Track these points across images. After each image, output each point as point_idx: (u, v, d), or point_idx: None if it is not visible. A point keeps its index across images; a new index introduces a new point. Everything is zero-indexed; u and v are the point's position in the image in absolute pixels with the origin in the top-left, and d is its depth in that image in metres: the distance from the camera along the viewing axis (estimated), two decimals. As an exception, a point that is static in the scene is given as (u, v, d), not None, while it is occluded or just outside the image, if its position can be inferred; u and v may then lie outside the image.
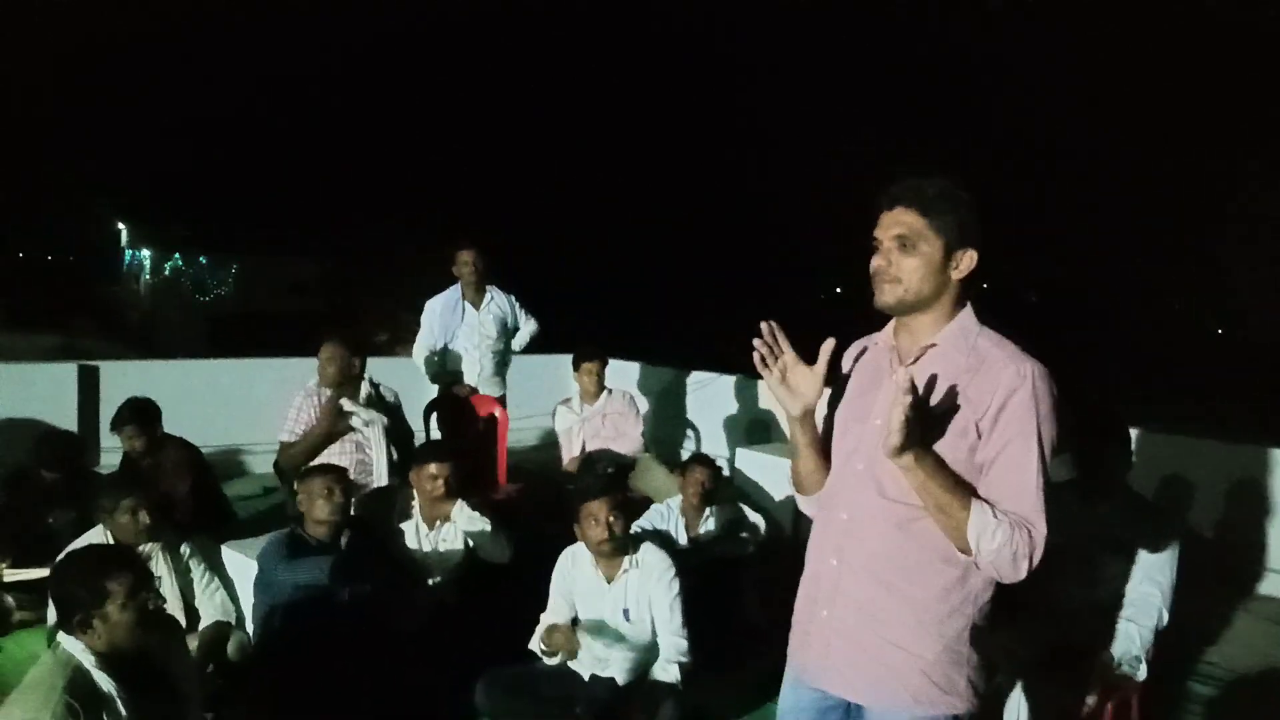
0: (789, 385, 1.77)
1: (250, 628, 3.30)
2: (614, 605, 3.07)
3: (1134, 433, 4.44)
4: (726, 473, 5.32)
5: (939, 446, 1.62)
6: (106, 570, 2.09)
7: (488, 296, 5.44)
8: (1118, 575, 2.84)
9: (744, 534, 4.15)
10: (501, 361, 5.52)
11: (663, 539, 3.70)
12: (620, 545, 3.04)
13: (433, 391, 5.48)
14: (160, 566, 3.15)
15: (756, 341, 1.77)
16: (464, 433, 5.18)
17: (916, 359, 1.71)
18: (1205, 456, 4.67)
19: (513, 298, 5.55)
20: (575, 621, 3.09)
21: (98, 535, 3.13)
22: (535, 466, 6.04)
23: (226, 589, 3.38)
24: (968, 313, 1.71)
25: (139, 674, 2.12)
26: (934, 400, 1.65)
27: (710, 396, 6.94)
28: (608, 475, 4.62)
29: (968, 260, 1.67)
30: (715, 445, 6.61)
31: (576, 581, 3.14)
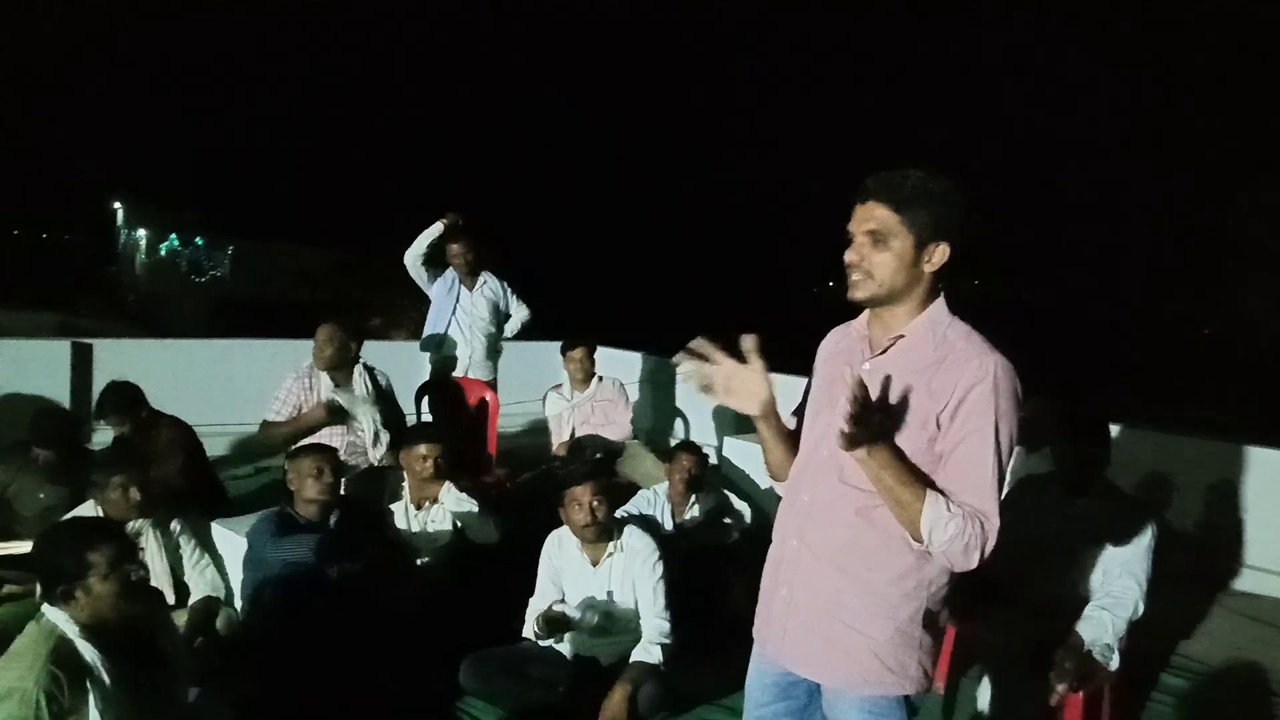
0: (735, 391, 1.79)
1: (239, 604, 3.34)
2: (599, 587, 3.12)
3: (1115, 429, 4.50)
4: (714, 461, 5.36)
5: (900, 436, 1.65)
6: (89, 542, 2.12)
7: (481, 279, 5.49)
8: (1096, 568, 2.88)
9: (728, 521, 4.20)
10: (493, 346, 5.56)
11: (649, 524, 3.74)
12: (603, 530, 3.09)
13: (424, 375, 5.53)
14: (150, 542, 3.19)
15: (682, 362, 1.80)
16: (455, 416, 5.22)
17: (886, 349, 1.73)
18: (1186, 453, 4.72)
19: (506, 284, 5.59)
20: (561, 603, 3.14)
21: (88, 510, 3.16)
22: (525, 451, 6.08)
23: (216, 565, 3.41)
24: (939, 305, 1.73)
25: (123, 645, 2.15)
26: (897, 391, 1.68)
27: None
28: (593, 461, 4.67)
29: (940, 253, 1.68)
30: (704, 433, 6.65)
31: (563, 564, 3.19)
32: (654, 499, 4.14)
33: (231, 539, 3.49)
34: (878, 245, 1.68)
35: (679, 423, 7.08)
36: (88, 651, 2.07)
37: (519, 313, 5.64)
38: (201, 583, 3.30)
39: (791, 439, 1.92)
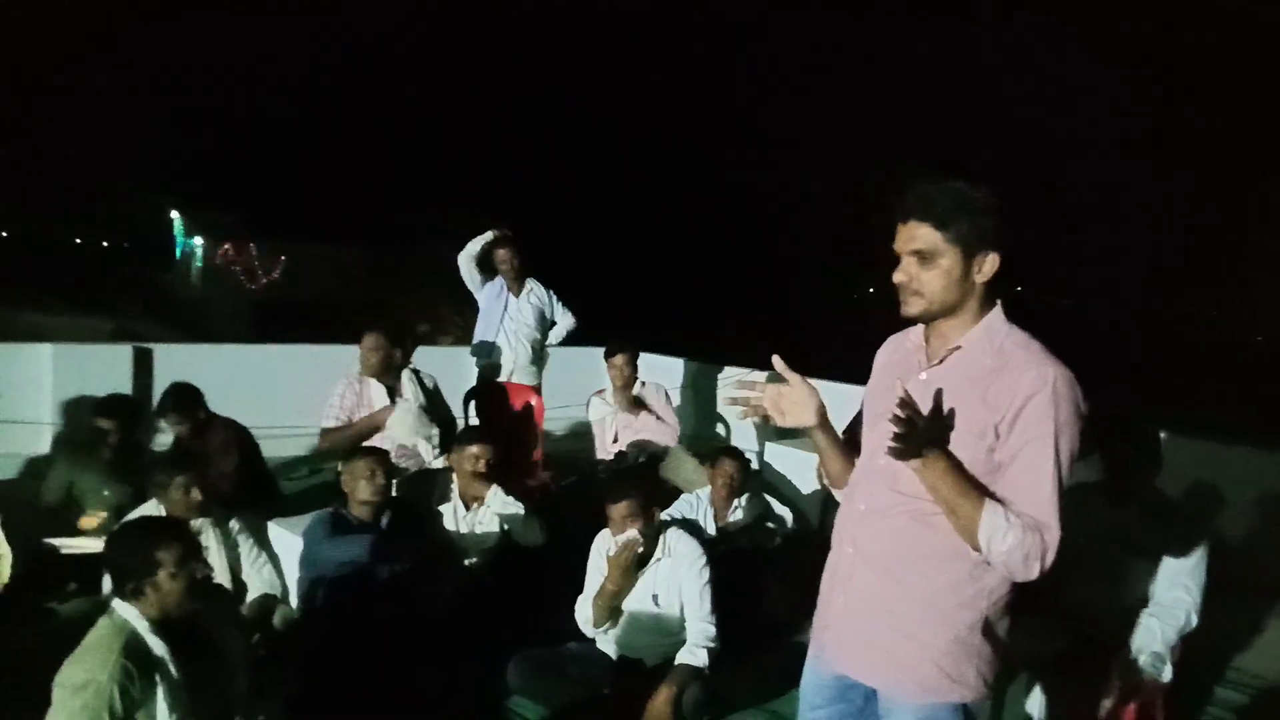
0: (787, 410, 1.81)
1: (294, 601, 3.44)
2: (644, 590, 3.16)
3: (1163, 436, 4.43)
4: (756, 465, 5.37)
5: (958, 447, 1.64)
6: (157, 541, 2.21)
7: (528, 286, 5.58)
8: (1141, 578, 2.84)
9: (771, 525, 4.21)
10: (538, 353, 5.64)
11: (691, 528, 3.77)
12: (647, 540, 3.11)
13: (471, 380, 5.63)
14: (210, 540, 3.29)
15: (732, 405, 1.85)
16: (501, 420, 5.30)
17: (943, 360, 1.73)
18: (1236, 462, 4.62)
19: (552, 292, 5.68)
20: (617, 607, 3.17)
21: (151, 509, 3.28)
22: (568, 455, 6.14)
23: (272, 564, 3.51)
24: (996, 314, 1.72)
25: (189, 639, 2.23)
26: (955, 402, 1.67)
27: (732, 388, 6.97)
28: (639, 466, 4.72)
29: (989, 263, 1.68)
30: (746, 438, 6.65)
31: (610, 564, 3.23)
32: (697, 503, 4.17)
33: (287, 538, 3.59)
34: (925, 264, 1.68)
35: (721, 427, 7.09)
36: (157, 646, 2.15)
37: (564, 319, 5.72)
38: (259, 580, 3.40)
39: (848, 448, 1.93)
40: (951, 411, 1.67)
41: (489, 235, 5.47)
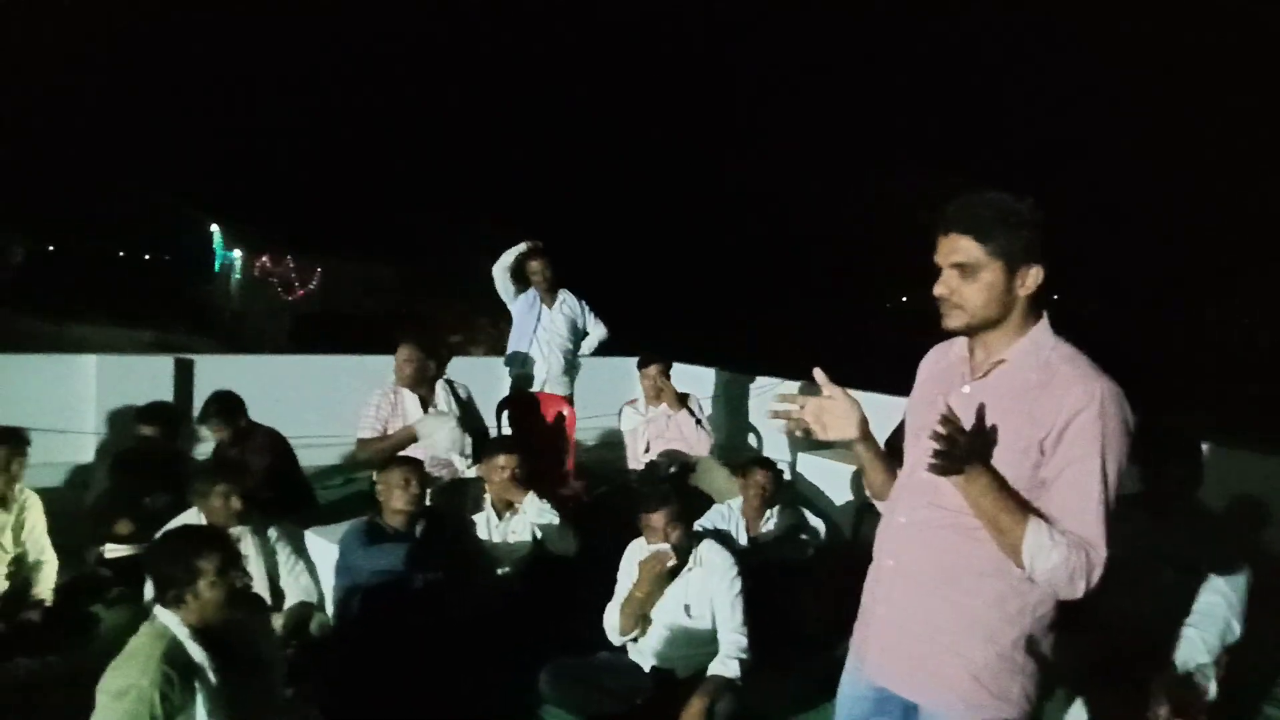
0: (829, 424, 1.81)
1: (330, 609, 3.48)
2: (676, 600, 3.15)
3: (1208, 448, 4.33)
4: (788, 476, 5.35)
5: (1002, 462, 1.62)
6: (198, 550, 2.24)
7: (560, 297, 5.62)
8: (1182, 592, 2.80)
9: (803, 537, 4.19)
10: (570, 363, 5.67)
11: (723, 539, 3.76)
12: (681, 550, 3.12)
13: (504, 390, 5.67)
14: (249, 548, 3.34)
15: (775, 420, 1.84)
16: (533, 430, 5.33)
17: (987, 373, 1.71)
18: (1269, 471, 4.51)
19: (584, 303, 5.71)
20: (645, 616, 3.18)
21: (192, 517, 3.33)
22: (600, 465, 6.16)
23: (310, 572, 3.56)
24: (1041, 327, 1.69)
25: (228, 647, 2.27)
26: (1000, 416, 1.65)
27: (773, 401, 6.95)
28: (666, 480, 4.72)
29: (1033, 276, 1.65)
30: (778, 449, 6.62)
31: (642, 575, 3.24)
32: (728, 514, 4.16)
33: (324, 547, 3.64)
34: (966, 278, 1.66)
35: (753, 438, 7.07)
36: (196, 653, 2.18)
37: (596, 330, 5.74)
38: (296, 588, 3.44)
39: (890, 460, 1.91)
40: (994, 427, 1.65)
41: (522, 247, 5.52)
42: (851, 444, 1.84)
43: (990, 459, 1.62)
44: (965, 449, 1.57)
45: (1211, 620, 2.68)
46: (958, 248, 1.66)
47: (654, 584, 3.07)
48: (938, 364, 1.89)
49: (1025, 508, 1.60)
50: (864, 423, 1.82)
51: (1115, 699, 2.68)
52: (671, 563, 3.07)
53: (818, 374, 1.79)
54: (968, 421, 1.66)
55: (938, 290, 1.70)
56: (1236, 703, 3.12)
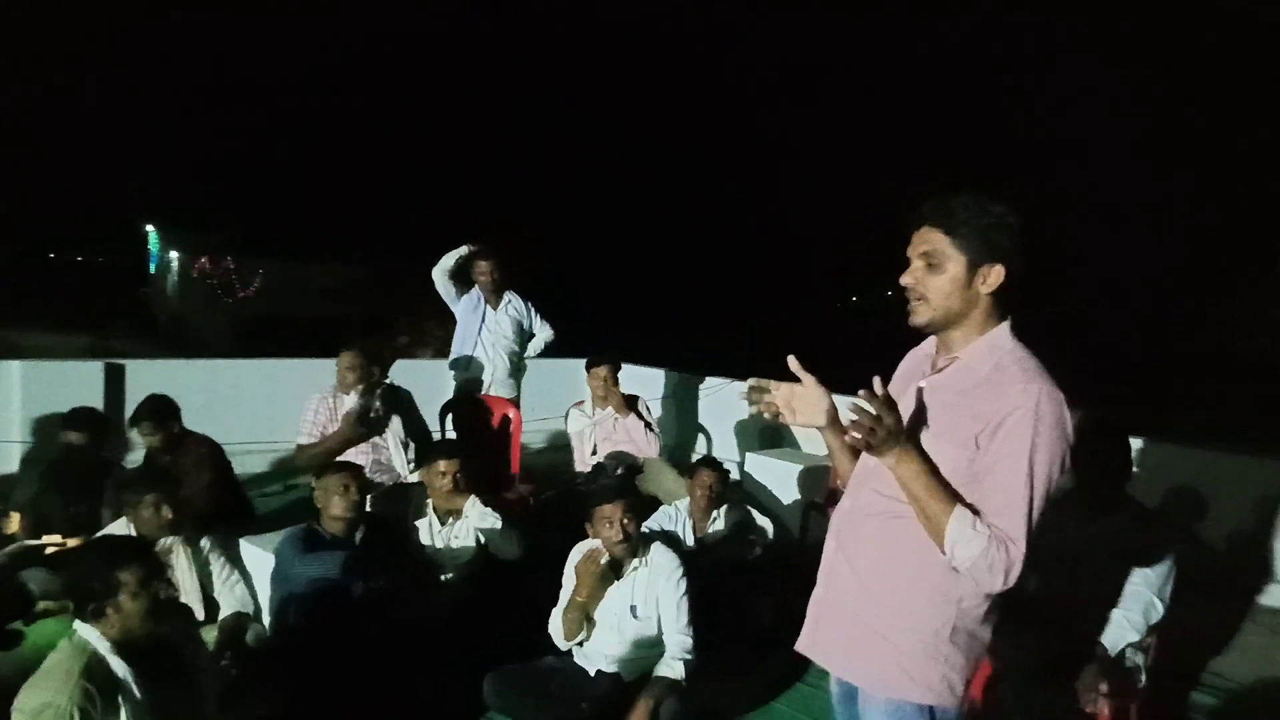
0: (799, 409, 1.84)
1: (267, 619, 3.39)
2: (622, 602, 3.13)
3: (1142, 443, 4.45)
4: (736, 476, 5.37)
5: (941, 454, 1.68)
6: (119, 561, 2.17)
7: (505, 299, 5.56)
8: (1118, 583, 2.86)
9: (751, 537, 4.20)
10: (516, 365, 5.62)
11: (670, 539, 3.76)
12: (633, 546, 3.11)
13: (449, 392, 5.59)
14: (180, 559, 3.24)
15: (748, 400, 1.86)
16: (478, 432, 5.27)
17: (942, 369, 1.79)
18: (1217, 468, 4.65)
19: (530, 305, 5.66)
20: (588, 619, 3.15)
21: (121, 527, 3.23)
22: (547, 468, 6.11)
23: (245, 581, 3.46)
24: (1001, 330, 1.74)
25: (154, 660, 2.19)
26: (945, 410, 1.72)
27: (722, 402, 6.98)
28: (619, 477, 4.70)
29: (995, 275, 1.71)
30: (726, 449, 6.66)
31: (587, 576, 3.21)
32: (676, 514, 4.15)
33: (260, 555, 3.55)
34: (931, 269, 1.73)
35: (701, 438, 7.09)
36: (119, 667, 2.11)
37: (542, 332, 5.70)
38: (230, 599, 3.35)
39: (855, 451, 1.97)
40: (939, 420, 1.72)
41: (462, 250, 5.46)
42: (821, 431, 1.90)
43: (930, 449, 1.69)
44: (888, 430, 1.62)
45: (1136, 600, 2.75)
46: (926, 239, 1.73)
47: (593, 585, 3.05)
48: (909, 362, 1.96)
49: (955, 498, 1.65)
50: (833, 411, 1.86)
51: (1053, 691, 2.72)
52: (605, 559, 3.05)
53: (792, 362, 1.81)
54: (919, 413, 1.74)
55: (904, 280, 1.76)
56: (1168, 689, 3.20)
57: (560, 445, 6.17)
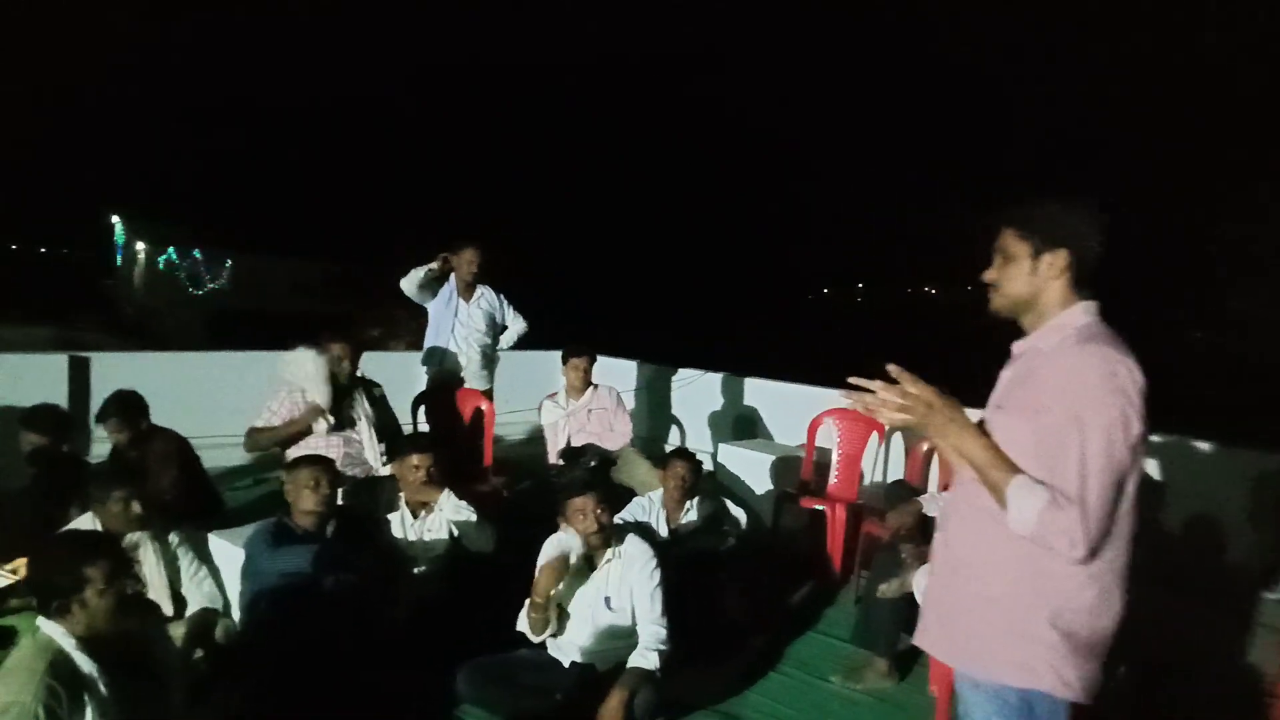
0: (892, 410, 1.88)
1: (237, 614, 3.36)
2: (595, 593, 3.14)
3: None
4: (709, 467, 5.38)
5: (1008, 428, 1.78)
6: (84, 557, 2.13)
7: (478, 292, 5.52)
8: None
9: (724, 527, 4.21)
10: (488, 357, 5.59)
11: (644, 530, 3.76)
12: (606, 537, 3.12)
13: (421, 385, 5.56)
14: (148, 555, 3.19)
15: (851, 394, 1.91)
16: (451, 425, 5.24)
17: (1018, 357, 1.90)
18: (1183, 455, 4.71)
19: (502, 296, 5.63)
20: (560, 610, 3.15)
21: (87, 523, 3.17)
22: (521, 460, 6.10)
23: (214, 577, 3.42)
24: (1073, 311, 1.83)
25: (120, 657, 2.17)
26: (1013, 389, 1.85)
27: (695, 393, 7.00)
28: (592, 469, 4.70)
29: (1059, 260, 1.82)
30: (700, 440, 6.68)
31: (560, 568, 3.21)
32: (649, 505, 4.16)
33: (229, 550, 3.51)
34: (1004, 262, 1.89)
35: (674, 429, 7.11)
36: (85, 664, 2.08)
37: (515, 324, 5.67)
38: (199, 594, 3.31)
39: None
40: (1009, 397, 1.85)
41: (433, 266, 5.38)
42: (915, 429, 1.94)
43: (1000, 425, 1.80)
44: (927, 405, 1.77)
45: None
46: (1001, 237, 1.89)
47: (548, 587, 3.04)
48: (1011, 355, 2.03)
49: (1016, 467, 1.73)
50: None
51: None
52: (576, 555, 3.07)
53: (892, 368, 1.85)
54: (997, 398, 1.89)
55: (984, 275, 1.93)
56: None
57: (534, 437, 6.16)
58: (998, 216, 1.91)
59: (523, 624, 3.14)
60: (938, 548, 2.00)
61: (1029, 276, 1.85)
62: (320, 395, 4.23)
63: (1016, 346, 1.94)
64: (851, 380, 1.92)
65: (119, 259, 33.47)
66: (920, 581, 3.24)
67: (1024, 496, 1.68)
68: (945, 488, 4.14)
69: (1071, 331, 1.79)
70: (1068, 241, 1.81)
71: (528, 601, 3.15)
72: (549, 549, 3.24)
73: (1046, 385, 1.73)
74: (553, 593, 3.06)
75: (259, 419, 4.24)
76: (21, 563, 3.47)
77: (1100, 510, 1.65)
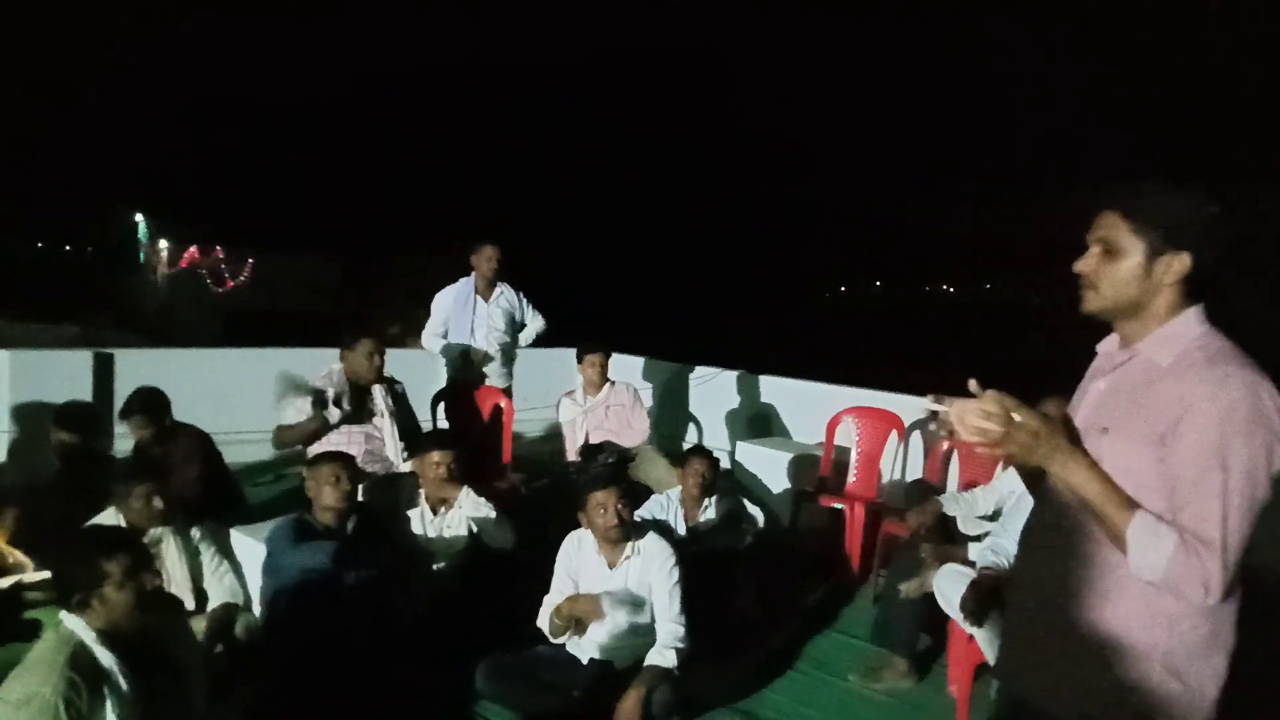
0: (970, 426, 1.63)
1: (258, 609, 3.38)
2: (615, 589, 3.14)
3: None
4: (726, 465, 5.37)
5: (1124, 455, 1.56)
6: (105, 552, 2.15)
7: (497, 290, 5.54)
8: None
9: (742, 525, 4.20)
10: (508, 355, 5.61)
11: (661, 528, 3.76)
12: (626, 532, 3.12)
13: (440, 382, 5.58)
14: (170, 549, 3.23)
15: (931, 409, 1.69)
16: (470, 422, 5.26)
17: (1122, 364, 1.65)
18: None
19: (521, 294, 5.65)
20: (580, 621, 3.15)
21: (109, 518, 3.20)
22: (539, 457, 6.11)
23: (235, 572, 3.44)
24: (1185, 317, 1.59)
25: (140, 651, 2.18)
26: (1126, 409, 1.59)
27: (712, 391, 6.99)
28: (611, 465, 4.70)
29: (1179, 264, 1.56)
30: (716, 438, 6.66)
31: (580, 565, 3.22)
32: (667, 503, 4.16)
33: (251, 546, 3.53)
34: (1107, 256, 1.61)
35: (692, 427, 7.10)
36: (105, 658, 2.10)
37: (534, 322, 5.68)
38: (220, 589, 3.33)
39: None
40: (1119, 418, 1.59)
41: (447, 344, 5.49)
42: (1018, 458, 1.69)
43: (1112, 452, 1.57)
44: (1032, 434, 1.52)
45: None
46: (1105, 225, 1.62)
47: (581, 615, 3.06)
48: (1098, 358, 1.80)
49: (1134, 503, 1.52)
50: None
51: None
52: (599, 619, 3.05)
53: (971, 384, 1.63)
54: (1095, 414, 1.63)
55: (1077, 266, 1.65)
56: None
57: (552, 435, 6.17)
58: (1098, 197, 1.62)
59: (544, 617, 3.15)
60: (1026, 580, 1.75)
61: (1140, 279, 1.58)
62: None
63: (1110, 352, 1.71)
64: (933, 397, 1.69)
65: (140, 259, 33.80)
66: (944, 585, 3.21)
67: (1150, 540, 1.47)
68: (967, 486, 4.11)
69: (1192, 345, 1.55)
70: (1193, 245, 1.55)
71: (552, 593, 3.16)
72: (568, 546, 3.24)
73: (1173, 412, 1.50)
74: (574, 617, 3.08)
75: (283, 418, 4.27)
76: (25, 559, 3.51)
77: (1238, 552, 1.47)
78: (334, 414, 4.21)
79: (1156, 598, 1.54)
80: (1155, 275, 1.58)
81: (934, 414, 1.66)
